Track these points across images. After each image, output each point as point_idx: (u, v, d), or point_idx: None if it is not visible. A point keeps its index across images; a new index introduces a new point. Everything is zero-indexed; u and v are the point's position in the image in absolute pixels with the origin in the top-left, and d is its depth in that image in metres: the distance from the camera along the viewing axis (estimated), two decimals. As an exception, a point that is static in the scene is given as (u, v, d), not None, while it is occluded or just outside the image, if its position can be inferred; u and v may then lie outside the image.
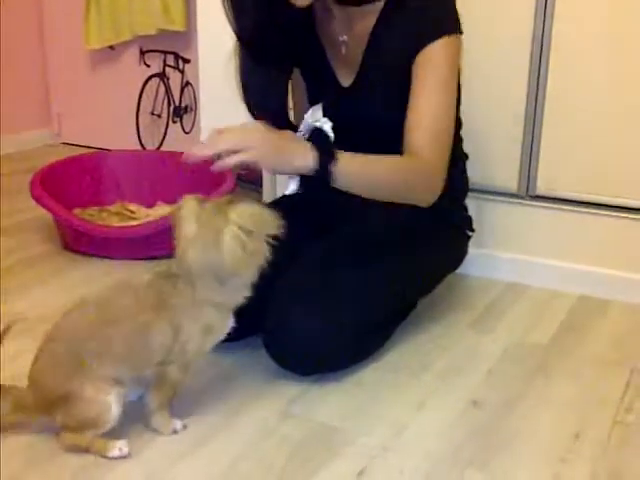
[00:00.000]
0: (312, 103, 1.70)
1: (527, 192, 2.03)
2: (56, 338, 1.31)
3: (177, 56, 3.24)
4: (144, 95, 3.33)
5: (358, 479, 1.27)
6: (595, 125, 1.92)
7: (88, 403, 1.27)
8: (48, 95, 3.60)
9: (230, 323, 1.36)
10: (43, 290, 1.99)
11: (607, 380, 1.59)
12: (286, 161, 1.45)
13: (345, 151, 1.54)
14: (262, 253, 1.30)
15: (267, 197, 2.42)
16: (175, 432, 1.37)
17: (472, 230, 1.87)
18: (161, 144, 3.36)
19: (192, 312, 1.31)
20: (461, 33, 1.58)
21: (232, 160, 1.41)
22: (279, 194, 1.95)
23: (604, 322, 1.86)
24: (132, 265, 2.13)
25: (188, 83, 3.26)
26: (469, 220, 1.87)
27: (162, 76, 3.30)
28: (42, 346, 1.31)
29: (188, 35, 3.09)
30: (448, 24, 1.55)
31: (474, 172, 1.87)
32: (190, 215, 1.29)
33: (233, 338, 1.60)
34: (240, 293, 1.34)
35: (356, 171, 1.49)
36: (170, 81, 3.30)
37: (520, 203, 2.04)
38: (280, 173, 1.50)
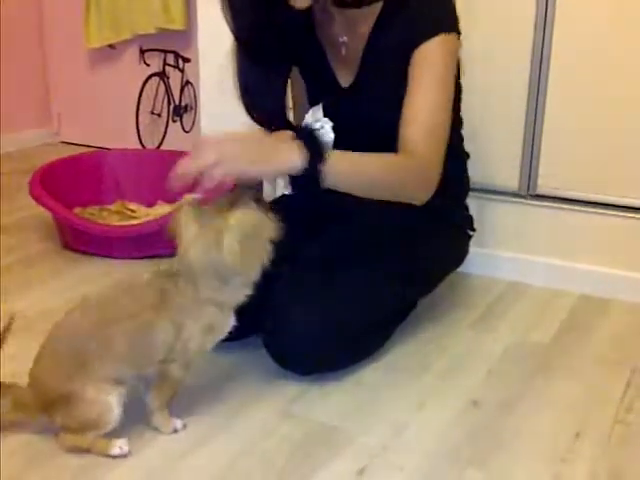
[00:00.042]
0: (312, 103, 1.69)
1: (528, 191, 2.03)
2: (58, 338, 1.31)
3: (177, 55, 3.24)
4: (144, 94, 3.33)
5: (358, 478, 1.27)
6: (596, 124, 1.92)
7: (89, 404, 1.26)
8: (48, 94, 3.60)
9: (231, 322, 1.36)
10: (42, 289, 1.98)
11: (608, 379, 1.59)
12: (272, 165, 1.38)
13: (345, 150, 1.54)
14: (262, 254, 1.30)
15: (267, 196, 2.42)
16: (175, 431, 1.37)
17: (473, 229, 1.87)
18: (161, 143, 3.36)
19: (194, 311, 1.31)
20: (459, 33, 1.58)
21: (214, 175, 1.33)
22: (279, 193, 1.95)
23: (605, 321, 1.86)
24: (132, 264, 2.12)
25: (188, 82, 3.26)
26: (470, 219, 1.86)
27: (162, 75, 3.30)
28: (44, 346, 1.31)
29: (188, 34, 3.09)
30: (445, 23, 1.55)
31: (475, 171, 1.87)
32: (190, 217, 1.29)
33: (233, 337, 1.60)
34: (242, 292, 1.34)
35: (346, 170, 1.44)
36: (170, 80, 3.29)
37: (521, 202, 2.04)
38: (272, 177, 1.43)
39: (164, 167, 2.63)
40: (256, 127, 1.70)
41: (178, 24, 3.11)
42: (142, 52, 3.31)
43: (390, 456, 1.33)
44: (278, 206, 1.39)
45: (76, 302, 1.34)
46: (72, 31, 3.37)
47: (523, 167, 2.02)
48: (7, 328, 1.35)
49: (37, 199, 2.23)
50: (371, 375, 1.59)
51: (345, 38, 1.64)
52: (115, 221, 2.41)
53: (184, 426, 1.38)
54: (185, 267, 1.30)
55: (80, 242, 2.23)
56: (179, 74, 3.26)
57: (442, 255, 1.78)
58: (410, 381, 1.57)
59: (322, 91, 1.72)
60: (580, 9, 1.87)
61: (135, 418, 1.35)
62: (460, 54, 1.63)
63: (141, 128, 3.38)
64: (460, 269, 1.89)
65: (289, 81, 1.81)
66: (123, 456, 1.29)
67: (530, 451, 1.35)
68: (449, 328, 1.81)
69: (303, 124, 1.63)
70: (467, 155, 1.83)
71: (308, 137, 1.43)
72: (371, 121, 1.64)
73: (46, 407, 1.29)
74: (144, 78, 3.31)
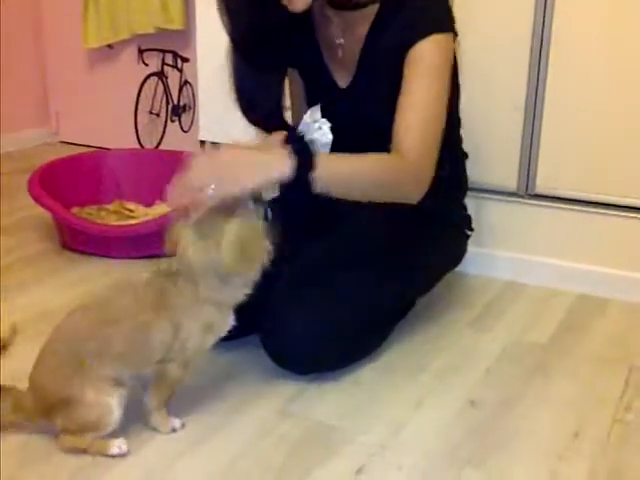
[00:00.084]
0: (310, 104, 1.69)
1: (526, 191, 2.03)
2: (56, 341, 1.30)
3: (176, 55, 3.24)
4: (142, 94, 3.33)
5: (356, 477, 1.27)
6: (594, 124, 1.92)
7: (89, 406, 1.26)
8: (46, 94, 3.59)
9: (230, 321, 1.36)
10: (42, 289, 1.98)
11: (606, 379, 1.59)
12: (262, 177, 1.36)
13: (337, 153, 1.55)
14: (261, 257, 1.30)
15: (266, 196, 2.42)
16: (174, 431, 1.37)
17: (471, 229, 1.87)
18: (159, 143, 3.36)
19: (193, 310, 1.31)
20: (455, 34, 1.58)
21: (207, 197, 1.31)
22: (277, 193, 1.95)
23: (603, 321, 1.86)
24: (131, 264, 2.12)
25: (187, 82, 3.25)
26: (468, 219, 1.87)
27: (161, 75, 3.30)
28: (43, 349, 1.31)
29: (187, 34, 3.09)
30: (440, 23, 1.55)
31: (473, 171, 1.87)
32: (188, 228, 1.30)
33: (232, 336, 1.60)
34: (241, 291, 1.35)
35: (337, 174, 1.44)
36: (169, 80, 3.29)
37: (519, 202, 2.04)
38: (263, 189, 1.41)
39: (162, 167, 2.66)
40: (252, 128, 1.71)
41: (177, 24, 3.10)
42: (141, 52, 3.31)
43: (388, 455, 1.33)
44: (277, 205, 1.39)
45: (75, 301, 1.35)
46: (71, 31, 3.36)
47: (521, 167, 2.02)
48: (8, 340, 1.34)
49: (36, 199, 2.23)
50: (369, 375, 1.59)
51: (342, 40, 1.65)
52: (113, 221, 2.41)
53: (182, 425, 1.38)
54: (184, 267, 1.30)
55: (78, 242, 2.23)
56: (178, 74, 3.26)
57: (440, 255, 1.78)
58: (408, 380, 1.57)
59: (320, 92, 1.72)
60: (579, 8, 1.87)
61: (133, 418, 1.35)
62: (458, 53, 1.63)
63: (139, 128, 3.37)
64: (458, 269, 1.89)
65: (288, 81, 1.82)
66: (122, 455, 1.29)
67: (528, 450, 1.35)
68: (447, 328, 1.81)
69: (301, 125, 1.63)
70: (465, 155, 1.83)
71: (296, 143, 1.42)
72: (369, 121, 1.64)
73: (46, 410, 1.29)
74: (142, 78, 3.31)
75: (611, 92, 1.89)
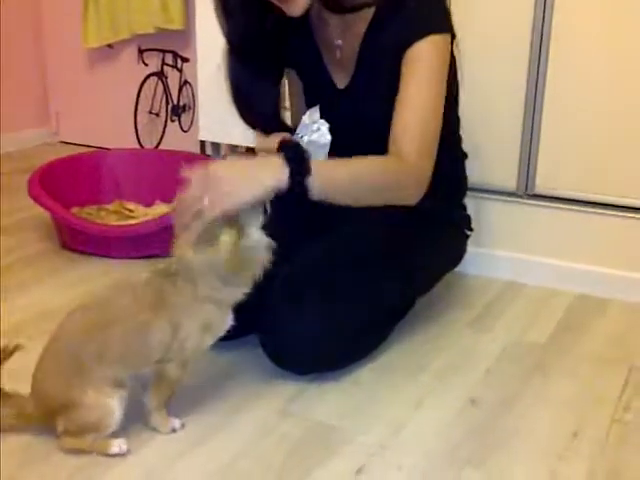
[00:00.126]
0: (309, 105, 1.70)
1: (526, 191, 2.03)
2: (56, 343, 1.30)
3: (175, 55, 3.24)
4: (142, 94, 3.33)
5: (356, 477, 1.27)
6: (594, 124, 1.92)
7: (90, 408, 1.27)
8: (46, 94, 3.59)
9: (229, 320, 1.36)
10: (41, 289, 1.99)
11: (605, 379, 1.59)
12: (256, 189, 1.35)
13: (343, 151, 1.55)
14: (258, 264, 1.32)
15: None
16: (174, 431, 1.37)
17: (471, 229, 1.87)
18: (159, 143, 3.36)
19: (192, 310, 1.32)
20: (453, 35, 1.58)
21: (209, 215, 1.31)
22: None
23: (602, 321, 1.86)
24: (130, 264, 2.12)
25: (186, 82, 3.25)
26: (468, 219, 1.87)
27: (160, 75, 3.30)
28: (43, 354, 1.31)
29: (187, 34, 3.09)
30: (436, 23, 1.55)
31: (473, 171, 1.87)
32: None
33: (231, 336, 1.60)
34: (240, 290, 1.35)
35: (333, 180, 1.44)
36: (168, 80, 3.29)
37: (519, 202, 2.05)
38: (262, 200, 1.42)
39: (162, 167, 2.67)
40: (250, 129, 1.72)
41: (177, 24, 3.10)
42: (140, 52, 3.31)
43: (388, 455, 1.33)
44: (277, 205, 1.39)
45: (75, 301, 1.35)
46: (70, 31, 3.36)
47: (521, 167, 2.02)
48: (11, 352, 1.34)
49: (35, 199, 2.23)
50: (369, 375, 1.59)
51: (340, 42, 1.65)
52: (113, 221, 2.41)
53: (182, 426, 1.38)
54: (183, 266, 1.30)
55: (78, 242, 2.23)
56: (177, 74, 3.26)
57: (440, 254, 1.78)
58: (408, 380, 1.57)
59: (319, 93, 1.72)
60: (579, 6, 1.87)
61: (133, 418, 1.35)
62: (457, 53, 1.63)
63: (139, 128, 3.37)
64: (457, 269, 1.89)
65: (287, 82, 1.82)
66: (122, 455, 1.29)
67: (528, 450, 1.35)
68: (446, 328, 1.81)
69: (299, 126, 1.63)
70: (465, 155, 1.83)
71: (291, 150, 1.42)
72: (367, 122, 1.65)
73: (48, 414, 1.29)
74: (142, 78, 3.31)
75: (611, 92, 1.89)
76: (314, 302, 1.53)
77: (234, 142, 2.60)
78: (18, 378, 1.33)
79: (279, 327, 1.52)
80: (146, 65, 3.31)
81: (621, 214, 1.94)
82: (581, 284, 1.99)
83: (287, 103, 1.89)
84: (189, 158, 2.64)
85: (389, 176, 1.50)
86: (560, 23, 1.89)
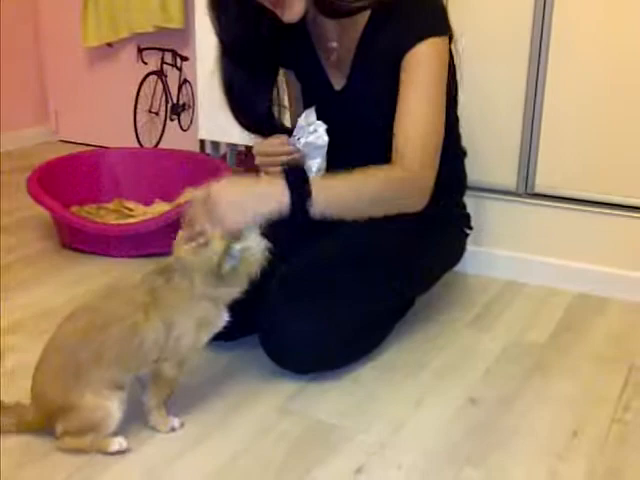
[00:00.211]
0: (307, 105, 1.69)
1: (525, 190, 2.03)
2: (51, 351, 1.30)
3: (175, 54, 3.24)
4: (142, 93, 3.33)
5: (356, 476, 1.27)
6: (594, 123, 1.92)
7: (89, 411, 1.27)
8: (46, 93, 3.59)
9: (224, 317, 1.37)
10: (41, 287, 1.98)
11: (605, 378, 1.59)
12: (260, 211, 1.37)
13: (339, 152, 1.55)
14: (256, 266, 1.33)
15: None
16: (173, 430, 1.37)
17: (470, 228, 1.87)
18: (159, 142, 3.36)
19: (187, 306, 1.32)
20: (451, 36, 1.58)
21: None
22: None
23: (602, 320, 1.86)
24: (130, 263, 2.12)
25: (186, 81, 3.25)
26: (467, 217, 1.87)
27: (160, 74, 3.30)
28: (39, 361, 1.31)
29: (186, 33, 3.09)
30: (435, 26, 1.55)
31: (473, 170, 1.87)
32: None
33: (231, 337, 1.61)
34: (237, 288, 1.35)
35: (336, 199, 1.45)
36: (168, 79, 3.29)
37: (519, 201, 2.05)
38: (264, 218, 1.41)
39: (162, 166, 2.67)
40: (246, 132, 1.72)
41: (176, 23, 3.10)
42: (140, 50, 3.31)
43: (388, 454, 1.33)
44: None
45: (75, 300, 1.35)
46: (70, 30, 3.36)
47: (521, 166, 2.02)
48: None
49: (35, 198, 2.23)
50: (369, 373, 1.59)
51: (335, 44, 1.65)
52: (112, 220, 2.41)
53: (181, 425, 1.38)
54: (180, 263, 1.31)
55: (78, 241, 2.23)
56: (177, 73, 3.26)
57: (439, 253, 1.78)
58: (408, 379, 1.57)
59: (316, 94, 1.72)
60: (578, 7, 1.87)
61: (133, 417, 1.35)
62: (455, 52, 1.63)
63: (139, 126, 3.37)
64: (457, 268, 1.89)
65: (286, 83, 1.82)
66: (123, 452, 1.29)
67: (527, 449, 1.35)
68: (446, 327, 1.81)
69: (296, 128, 1.63)
70: (464, 153, 1.83)
71: (291, 174, 1.43)
72: (364, 123, 1.65)
73: (47, 418, 1.29)
74: (142, 76, 3.31)
75: (610, 92, 1.89)
76: (314, 301, 1.52)
77: (233, 141, 2.60)
78: (18, 378, 1.33)
79: (279, 326, 1.52)
80: (145, 64, 3.31)
81: (621, 213, 1.94)
82: (581, 283, 1.99)
83: (286, 102, 1.89)
84: (189, 157, 2.65)
85: (392, 188, 1.51)
86: (560, 22, 1.89)
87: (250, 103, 1.67)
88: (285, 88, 1.83)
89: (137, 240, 2.19)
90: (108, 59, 3.41)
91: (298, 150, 1.59)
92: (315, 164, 1.61)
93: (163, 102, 3.32)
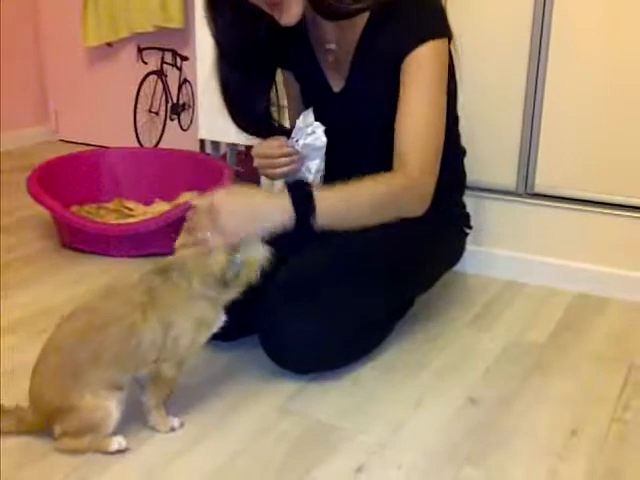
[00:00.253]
0: (307, 106, 1.69)
1: (525, 190, 2.03)
2: (49, 353, 1.30)
3: (175, 53, 3.24)
4: (142, 92, 3.33)
5: (356, 475, 1.27)
6: (593, 123, 1.92)
7: (88, 412, 1.26)
8: (46, 92, 3.59)
9: (222, 317, 1.37)
10: (41, 287, 1.98)
11: (605, 378, 1.59)
12: (262, 227, 1.38)
13: (338, 153, 1.55)
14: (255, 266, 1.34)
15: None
16: (172, 430, 1.37)
17: (470, 227, 1.87)
18: (159, 141, 3.36)
19: (185, 306, 1.32)
20: (450, 37, 1.58)
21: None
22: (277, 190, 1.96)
23: (602, 320, 1.86)
24: (130, 262, 2.13)
25: (186, 80, 3.25)
26: (467, 217, 1.87)
27: (160, 73, 3.30)
28: (37, 363, 1.31)
29: (186, 32, 3.09)
30: (435, 28, 1.55)
31: (472, 169, 1.87)
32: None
33: (231, 338, 1.61)
34: (235, 289, 1.36)
35: (338, 213, 1.47)
36: (168, 78, 3.29)
37: (518, 201, 2.05)
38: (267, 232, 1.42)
39: (162, 165, 2.67)
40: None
41: (176, 22, 3.11)
42: (140, 50, 3.31)
43: (388, 454, 1.33)
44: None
45: (75, 299, 1.35)
46: (69, 29, 3.37)
47: (520, 166, 2.02)
48: None
49: (35, 197, 2.23)
50: (369, 373, 1.59)
51: (332, 45, 1.65)
52: (112, 219, 2.41)
53: (181, 425, 1.38)
54: (180, 263, 1.31)
55: (78, 240, 2.23)
56: (177, 72, 3.26)
57: (439, 252, 1.78)
58: (407, 379, 1.57)
59: (315, 96, 1.72)
60: (578, 6, 1.87)
61: (132, 417, 1.35)
62: (454, 52, 1.63)
63: (139, 126, 3.38)
64: (457, 268, 1.89)
65: (284, 84, 1.82)
66: (122, 451, 1.29)
67: (527, 448, 1.35)
68: (446, 327, 1.81)
69: (294, 129, 1.63)
70: (464, 152, 1.83)
71: (296, 189, 1.44)
72: (363, 125, 1.65)
73: (46, 420, 1.29)
74: (142, 76, 3.31)
75: (610, 91, 1.89)
76: (314, 301, 1.52)
77: (233, 141, 2.60)
78: (17, 377, 1.33)
79: (279, 326, 1.52)
80: (145, 64, 3.32)
81: (621, 213, 1.94)
82: (581, 283, 1.99)
83: (285, 103, 1.89)
84: (189, 157, 2.65)
85: (394, 198, 1.52)
86: (560, 22, 1.89)
87: (247, 104, 1.67)
88: (284, 88, 1.83)
89: (137, 240, 2.19)
90: (108, 59, 3.41)
91: (297, 152, 1.60)
92: (314, 165, 1.61)
93: (163, 102, 3.32)
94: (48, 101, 3.60)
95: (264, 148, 1.64)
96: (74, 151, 2.82)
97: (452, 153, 1.69)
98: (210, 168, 2.46)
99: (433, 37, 1.53)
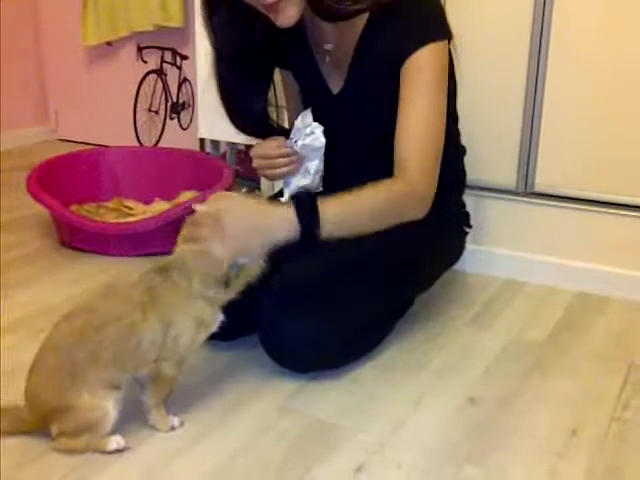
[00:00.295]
0: (306, 107, 1.69)
1: (525, 189, 2.03)
2: (46, 352, 1.30)
3: (175, 52, 3.24)
4: (141, 92, 3.33)
5: (356, 475, 1.27)
6: (593, 123, 1.92)
7: (85, 411, 1.26)
8: (45, 92, 3.59)
9: (219, 318, 1.37)
10: (41, 286, 1.98)
11: (605, 377, 1.59)
12: (267, 241, 1.40)
13: (337, 154, 1.55)
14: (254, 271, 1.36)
15: (265, 193, 2.43)
16: (172, 429, 1.37)
17: (470, 226, 1.87)
18: (158, 141, 3.36)
19: (184, 305, 1.32)
20: (450, 38, 1.58)
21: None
22: (277, 190, 1.96)
23: (602, 319, 1.86)
24: (129, 262, 2.12)
25: (186, 79, 3.25)
26: (467, 216, 1.87)
27: (159, 72, 3.30)
28: (34, 362, 1.30)
29: (186, 31, 3.09)
30: (435, 31, 1.55)
31: (472, 168, 1.87)
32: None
33: (231, 337, 1.61)
34: (235, 289, 1.36)
35: (342, 223, 1.48)
36: (167, 77, 3.29)
37: (518, 200, 2.05)
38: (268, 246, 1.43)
39: (161, 165, 2.67)
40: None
41: (176, 21, 3.11)
42: (140, 49, 3.31)
43: (388, 453, 1.33)
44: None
45: (74, 298, 1.35)
46: (69, 28, 3.37)
47: (520, 165, 2.02)
48: None
49: (34, 196, 2.23)
50: (369, 372, 1.59)
51: (329, 46, 1.64)
52: (112, 218, 2.41)
53: (181, 424, 1.38)
54: (180, 262, 1.31)
55: (77, 239, 2.23)
56: (177, 71, 3.26)
57: (439, 252, 1.78)
58: (407, 378, 1.57)
59: (314, 97, 1.72)
60: (578, 5, 1.87)
61: (132, 416, 1.35)
62: (454, 52, 1.63)
63: (138, 125, 3.37)
64: (457, 267, 1.89)
65: (282, 84, 1.82)
66: (121, 450, 1.29)
67: (527, 448, 1.35)
68: (446, 326, 1.81)
69: (293, 130, 1.63)
70: (464, 151, 1.83)
71: (301, 203, 1.45)
72: (362, 126, 1.65)
73: (43, 419, 1.29)
74: (141, 75, 3.31)
75: (611, 91, 1.89)
76: (314, 301, 1.52)
77: (233, 140, 2.60)
78: (17, 377, 1.33)
79: (279, 325, 1.52)
80: (145, 63, 3.31)
81: (621, 212, 1.94)
82: (581, 282, 1.99)
83: (283, 102, 1.89)
84: (188, 156, 2.65)
85: (395, 205, 1.54)
86: (560, 21, 1.89)
87: (244, 104, 1.67)
88: (282, 87, 1.83)
89: (136, 239, 2.19)
90: (108, 58, 3.41)
91: (295, 152, 1.60)
92: (312, 166, 1.62)
93: (163, 101, 3.32)
94: (48, 100, 3.60)
95: (263, 149, 1.64)
96: (74, 150, 2.82)
97: (452, 152, 1.69)
98: (210, 167, 2.47)
99: (433, 39, 1.53)
